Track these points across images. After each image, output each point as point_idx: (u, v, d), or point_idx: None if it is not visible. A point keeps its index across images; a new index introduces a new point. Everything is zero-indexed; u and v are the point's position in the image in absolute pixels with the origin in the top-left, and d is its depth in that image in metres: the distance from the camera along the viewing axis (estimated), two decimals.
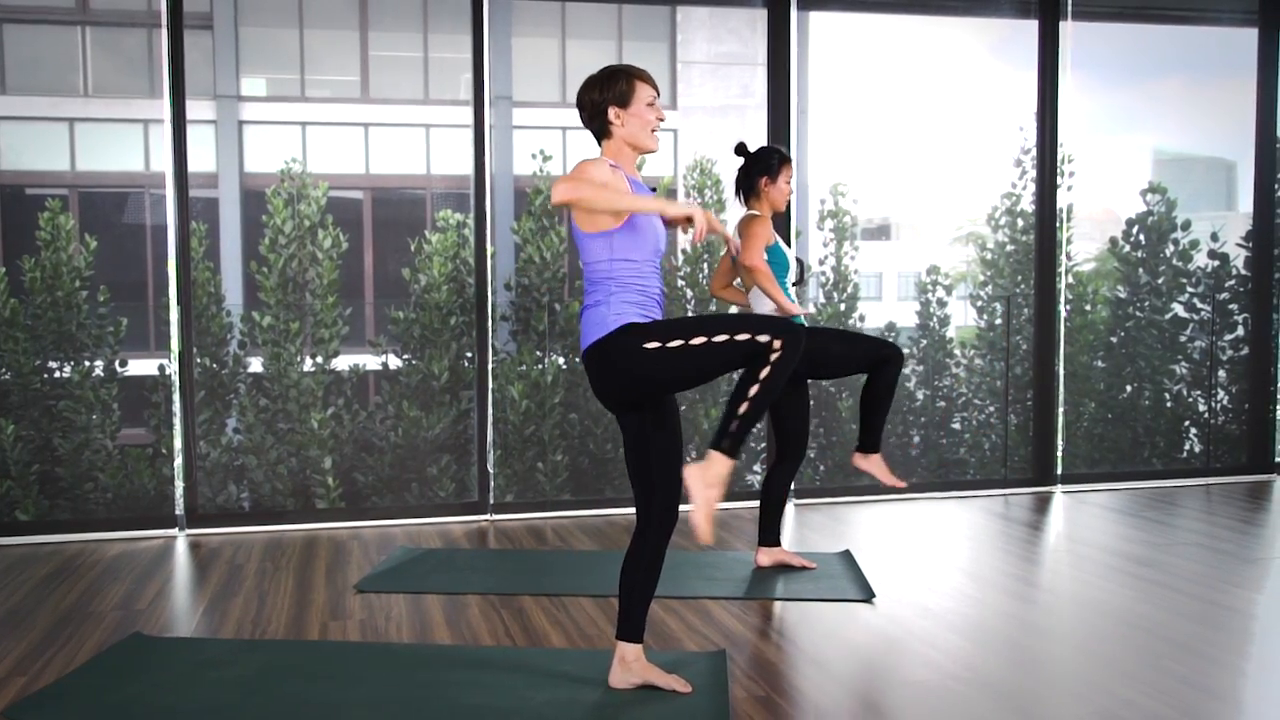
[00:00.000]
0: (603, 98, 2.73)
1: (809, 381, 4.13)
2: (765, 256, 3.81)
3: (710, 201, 5.45)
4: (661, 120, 2.80)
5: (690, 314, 5.35)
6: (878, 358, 3.83)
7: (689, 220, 2.61)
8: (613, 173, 2.67)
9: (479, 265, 5.10)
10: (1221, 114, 6.17)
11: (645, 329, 2.64)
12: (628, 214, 2.67)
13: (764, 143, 5.24)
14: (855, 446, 3.96)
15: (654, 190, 2.87)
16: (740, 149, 3.96)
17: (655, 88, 2.79)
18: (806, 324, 3.84)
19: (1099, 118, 5.85)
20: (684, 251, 5.46)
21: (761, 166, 3.93)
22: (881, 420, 3.90)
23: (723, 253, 4.24)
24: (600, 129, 2.77)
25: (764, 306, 3.86)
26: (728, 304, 4.07)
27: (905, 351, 5.58)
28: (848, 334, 4.00)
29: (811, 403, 5.20)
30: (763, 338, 2.55)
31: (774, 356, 2.55)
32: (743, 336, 2.56)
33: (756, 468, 5.50)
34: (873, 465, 3.92)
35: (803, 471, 5.46)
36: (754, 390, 2.56)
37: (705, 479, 2.58)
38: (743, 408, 2.57)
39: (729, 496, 5.28)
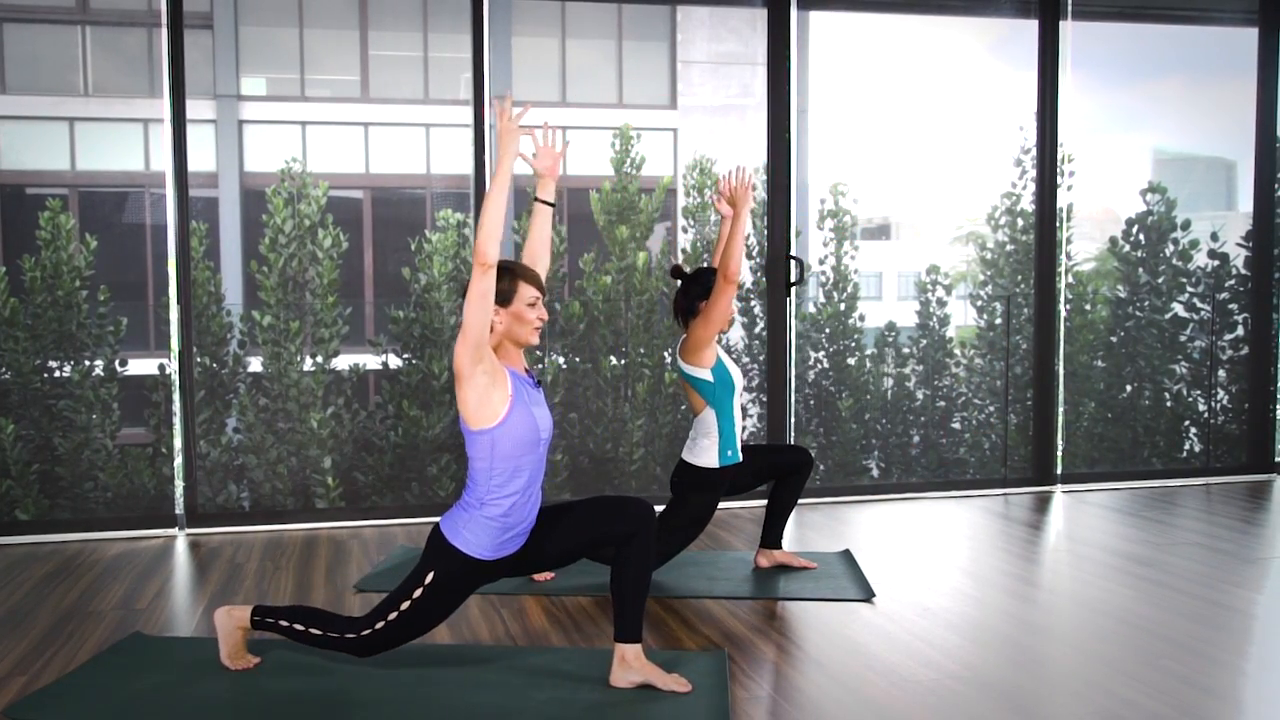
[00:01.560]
0: None
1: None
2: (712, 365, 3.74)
3: (710, 201, 5.44)
4: (543, 320, 2.81)
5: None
6: (794, 463, 3.94)
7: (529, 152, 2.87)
8: (496, 364, 2.69)
9: None
10: (1221, 114, 6.17)
11: (452, 580, 2.74)
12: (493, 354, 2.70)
13: (764, 144, 5.26)
14: (760, 545, 4.04)
15: (539, 384, 2.88)
16: (676, 271, 3.78)
17: (540, 288, 2.79)
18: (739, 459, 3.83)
19: (1099, 118, 5.85)
20: (684, 251, 5.46)
21: (700, 289, 3.70)
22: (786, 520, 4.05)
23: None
24: None
25: (708, 437, 3.78)
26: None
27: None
28: (764, 449, 4.01)
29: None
30: (366, 630, 2.77)
31: (350, 637, 2.78)
32: (393, 613, 2.75)
33: None
34: (781, 558, 4.03)
35: None
36: (313, 628, 2.81)
37: (226, 624, 2.91)
38: (284, 622, 2.84)
39: (727, 496, 5.28)
